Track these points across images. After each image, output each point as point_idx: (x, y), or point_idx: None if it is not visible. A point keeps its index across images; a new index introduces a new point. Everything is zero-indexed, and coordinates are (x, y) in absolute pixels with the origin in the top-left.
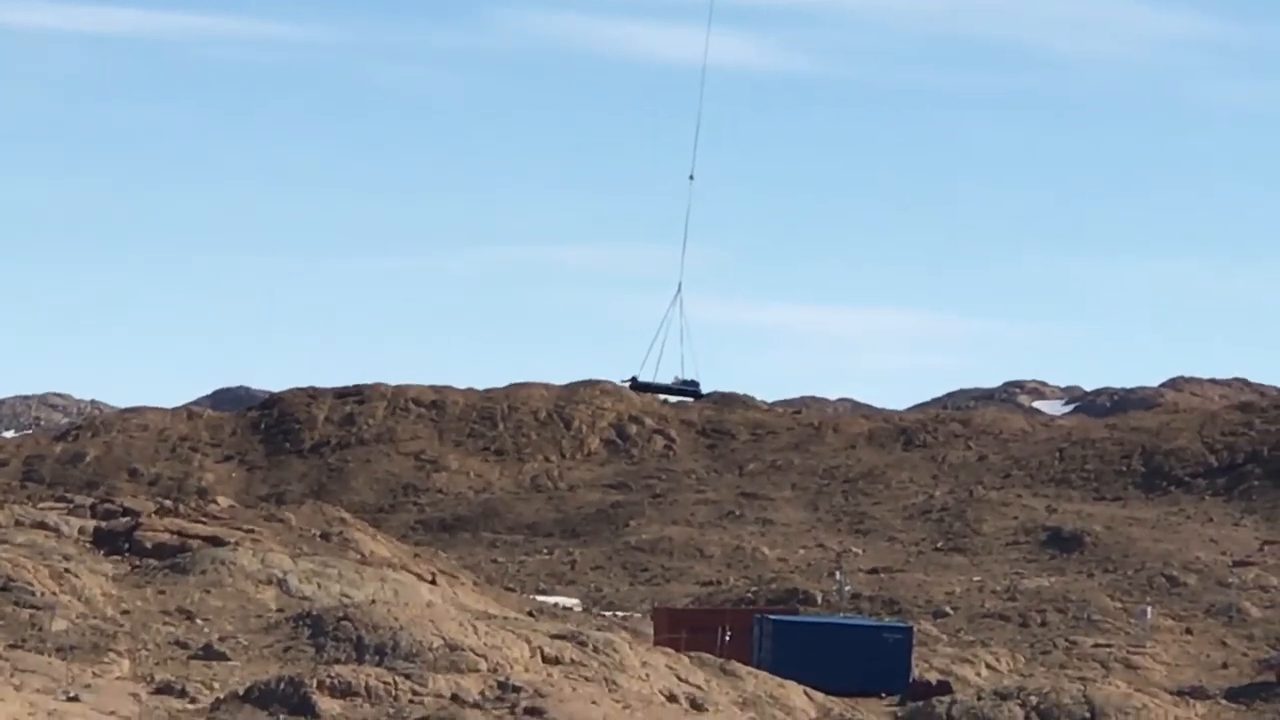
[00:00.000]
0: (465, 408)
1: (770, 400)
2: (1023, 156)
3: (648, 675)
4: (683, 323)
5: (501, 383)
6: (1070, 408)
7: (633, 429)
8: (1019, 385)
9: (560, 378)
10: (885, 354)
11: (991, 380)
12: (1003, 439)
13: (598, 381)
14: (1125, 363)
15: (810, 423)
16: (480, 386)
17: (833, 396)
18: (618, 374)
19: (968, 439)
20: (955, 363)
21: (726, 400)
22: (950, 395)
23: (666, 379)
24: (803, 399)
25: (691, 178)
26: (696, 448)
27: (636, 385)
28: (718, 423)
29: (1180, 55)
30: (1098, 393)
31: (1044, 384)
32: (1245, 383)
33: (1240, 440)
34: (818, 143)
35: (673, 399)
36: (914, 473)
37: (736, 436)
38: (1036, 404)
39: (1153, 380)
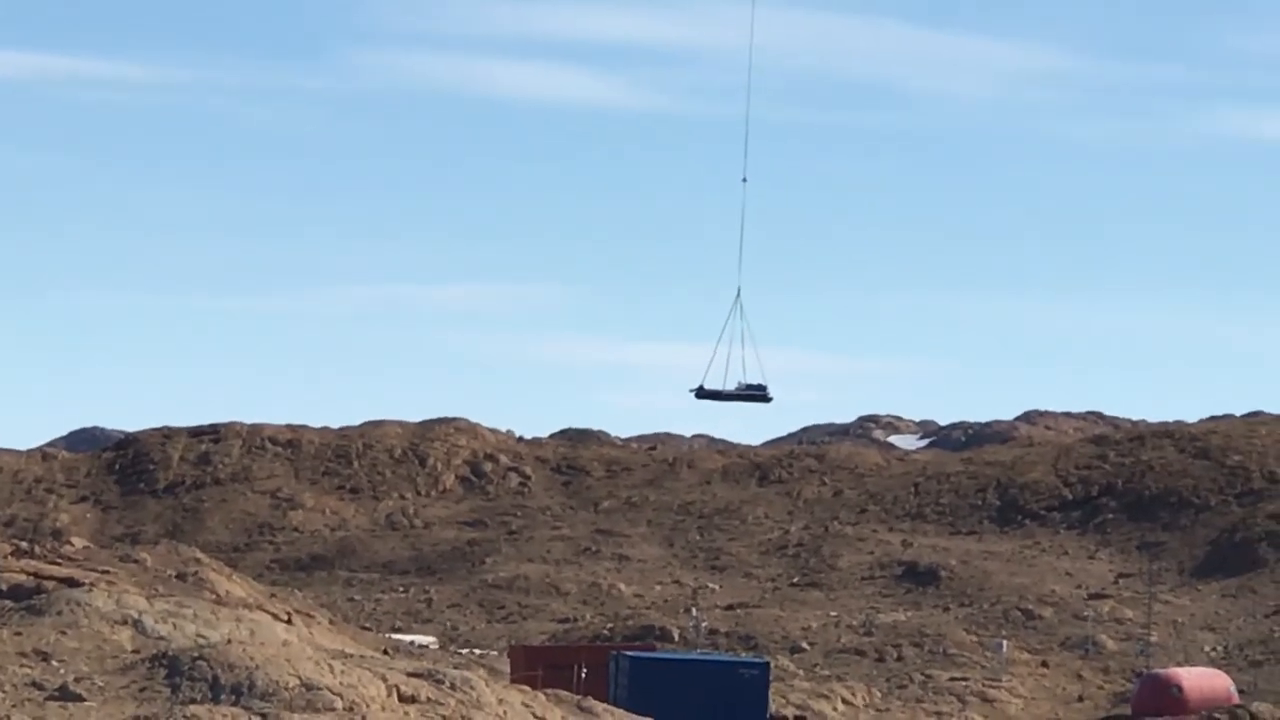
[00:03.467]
0: (320, 446)
1: (625, 436)
2: (880, 193)
3: (504, 713)
4: (744, 327)
5: (356, 421)
6: (925, 442)
7: (488, 466)
8: (873, 420)
9: (415, 415)
10: None
11: (846, 415)
12: (858, 474)
13: (452, 419)
14: (979, 397)
15: (665, 459)
16: (335, 424)
17: (688, 433)
18: (472, 411)
19: (823, 474)
20: (809, 398)
21: (581, 436)
22: (805, 430)
23: (731, 386)
24: (657, 435)
25: (745, 180)
26: (552, 484)
27: (703, 394)
28: (573, 459)
29: (1039, 93)
30: (952, 427)
31: (898, 418)
32: (1099, 415)
33: (1094, 473)
34: (677, 181)
35: (742, 404)
36: (769, 508)
37: (591, 473)
38: (891, 439)
39: (1007, 414)
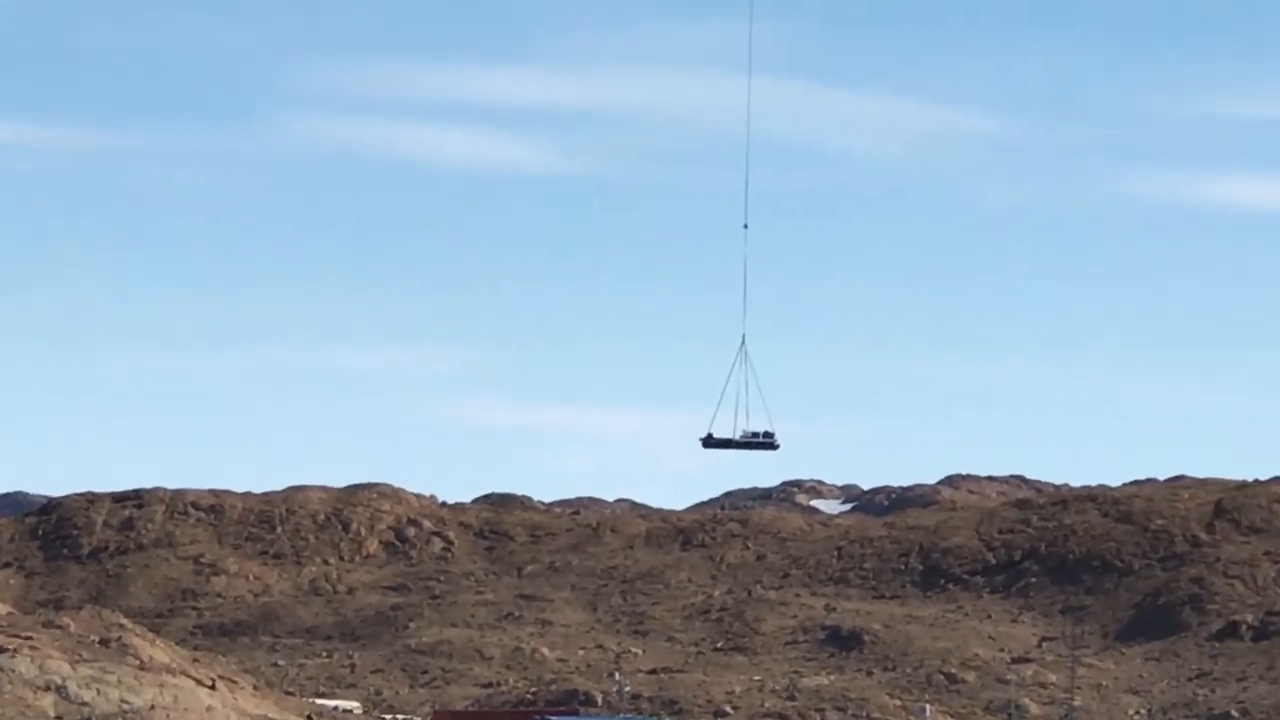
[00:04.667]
0: (243, 511)
1: (548, 501)
2: (802, 253)
3: None
4: (747, 374)
5: (279, 486)
6: (848, 506)
7: (411, 531)
8: (796, 484)
9: (338, 480)
10: (662, 454)
11: (769, 479)
12: (781, 538)
13: (375, 484)
14: (902, 460)
15: (588, 523)
16: (258, 490)
17: (610, 497)
18: (395, 476)
19: (746, 538)
20: (732, 462)
21: (504, 501)
22: (728, 495)
23: (737, 434)
24: (580, 500)
25: (746, 226)
26: (475, 549)
27: (710, 442)
28: (496, 524)
29: (960, 153)
30: (875, 491)
31: (821, 483)
32: (1022, 480)
33: (1018, 537)
34: (597, 243)
35: (750, 452)
36: (693, 572)
37: (515, 538)
38: (814, 503)
39: (930, 478)
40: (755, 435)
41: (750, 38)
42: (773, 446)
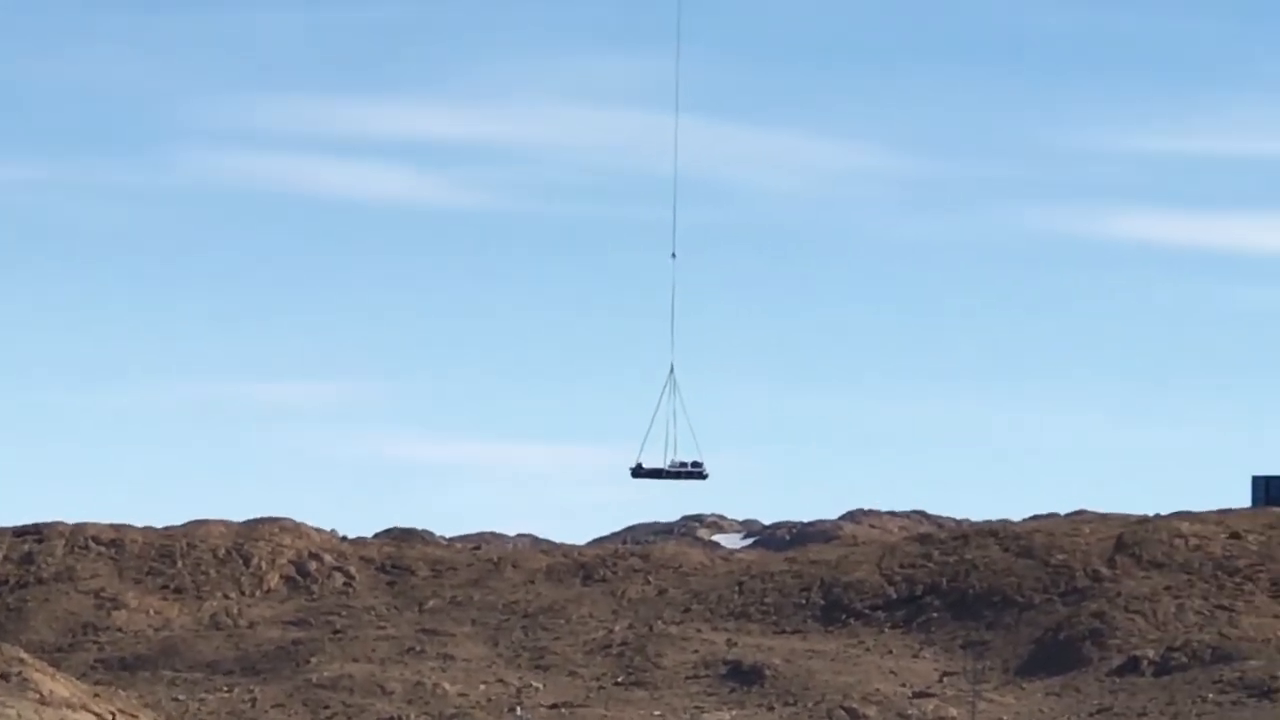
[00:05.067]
0: (144, 545)
1: (449, 536)
2: (702, 288)
3: None
4: (675, 404)
5: (180, 520)
6: (749, 541)
7: (312, 565)
8: (697, 519)
9: (239, 514)
10: (563, 488)
11: (670, 514)
12: (682, 573)
13: (277, 518)
14: (803, 496)
15: (490, 558)
16: (159, 524)
17: (512, 532)
18: (297, 510)
19: (647, 573)
20: (633, 497)
21: (405, 536)
22: (629, 530)
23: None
24: (482, 534)
25: (674, 256)
26: (376, 584)
27: (640, 472)
28: (397, 559)
29: (855, 189)
30: (776, 526)
31: (722, 517)
32: (923, 514)
33: (919, 572)
34: (495, 277)
35: (681, 482)
36: (594, 608)
37: (416, 572)
38: (715, 538)
39: (831, 513)
40: (684, 465)
41: (677, 76)
42: (702, 476)
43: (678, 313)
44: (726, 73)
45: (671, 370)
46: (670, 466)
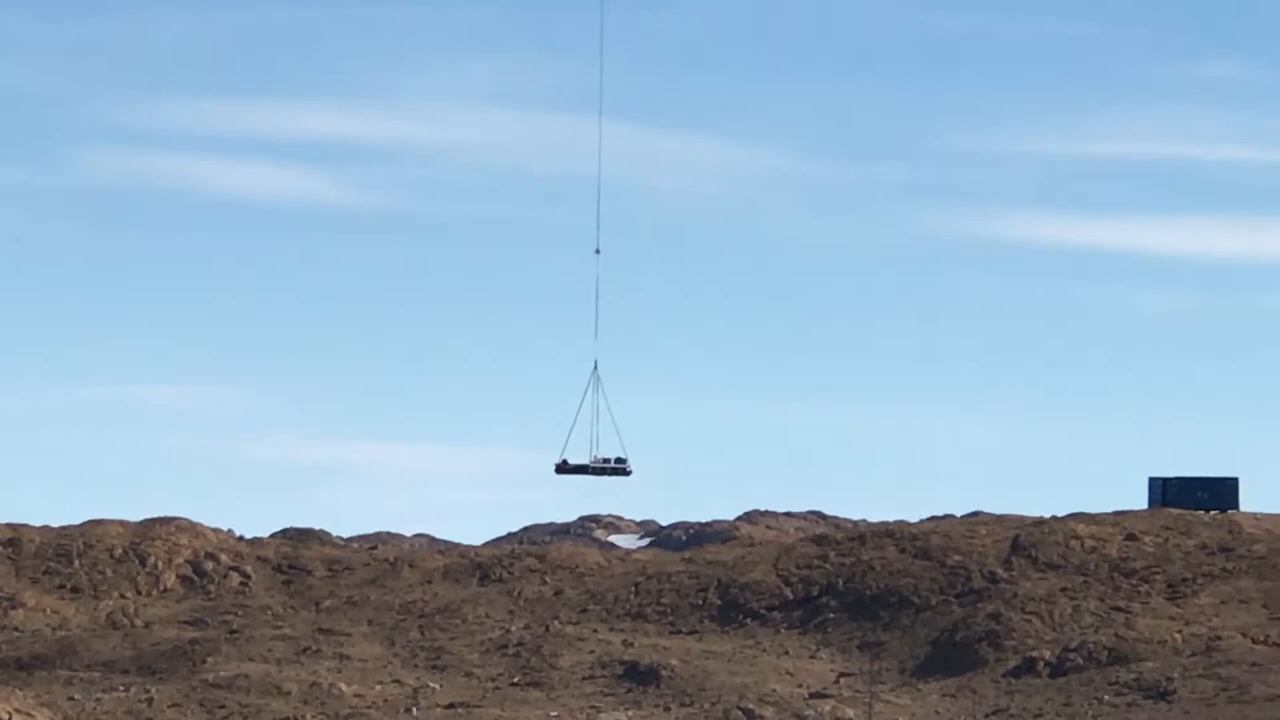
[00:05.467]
0: (41, 545)
1: (346, 536)
2: (592, 291)
3: None
4: (599, 402)
5: (77, 520)
6: (646, 542)
7: (209, 565)
8: (595, 520)
9: (136, 514)
10: (460, 489)
11: (567, 515)
12: (579, 573)
13: (173, 518)
14: (700, 497)
15: (386, 558)
16: (56, 523)
17: (409, 532)
18: (193, 511)
19: (544, 574)
20: (530, 497)
21: (302, 536)
22: (526, 530)
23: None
24: (379, 534)
25: (598, 251)
26: (273, 584)
27: (564, 468)
28: (294, 559)
29: (758, 192)
30: (673, 527)
31: (619, 518)
32: (820, 515)
33: (815, 573)
34: (386, 277)
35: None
36: (490, 608)
37: (313, 572)
38: (612, 538)
39: (728, 514)
40: (608, 461)
41: (601, 79)
42: (625, 472)
43: (600, 313)
44: (636, 78)
45: (595, 366)
46: (594, 462)
